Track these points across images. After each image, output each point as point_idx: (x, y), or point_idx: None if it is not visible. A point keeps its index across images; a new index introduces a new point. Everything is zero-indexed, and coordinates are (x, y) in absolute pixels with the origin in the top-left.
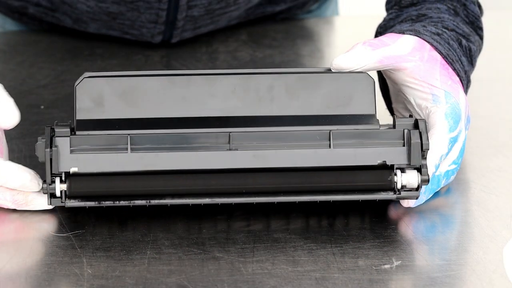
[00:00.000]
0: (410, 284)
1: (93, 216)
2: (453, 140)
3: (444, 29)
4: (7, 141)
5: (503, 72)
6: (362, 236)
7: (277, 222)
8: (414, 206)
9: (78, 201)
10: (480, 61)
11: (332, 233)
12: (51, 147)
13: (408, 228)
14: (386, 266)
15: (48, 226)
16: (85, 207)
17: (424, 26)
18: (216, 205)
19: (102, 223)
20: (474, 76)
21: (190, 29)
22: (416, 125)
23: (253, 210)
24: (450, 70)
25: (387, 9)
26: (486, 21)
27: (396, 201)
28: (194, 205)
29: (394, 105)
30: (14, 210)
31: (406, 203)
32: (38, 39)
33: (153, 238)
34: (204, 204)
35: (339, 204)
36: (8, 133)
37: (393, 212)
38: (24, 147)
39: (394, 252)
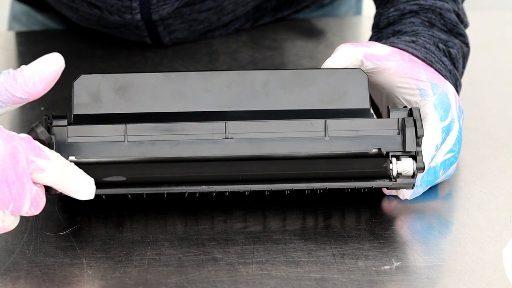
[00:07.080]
0: (409, 285)
1: (93, 218)
2: (446, 129)
3: (419, 37)
4: None
5: (502, 73)
6: (361, 237)
7: (277, 223)
8: (411, 198)
9: None
10: (480, 61)
11: (331, 234)
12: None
13: (408, 229)
14: (386, 267)
15: (48, 227)
16: (85, 205)
17: (398, 37)
18: (215, 205)
19: (102, 225)
20: (473, 76)
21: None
22: (410, 114)
23: (252, 211)
24: (432, 69)
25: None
26: (486, 21)
27: (395, 201)
28: (193, 205)
29: None
30: None
31: (402, 195)
32: (37, 40)
33: (152, 239)
34: (203, 205)
35: (339, 204)
36: None
37: (392, 213)
38: None
39: (394, 253)
